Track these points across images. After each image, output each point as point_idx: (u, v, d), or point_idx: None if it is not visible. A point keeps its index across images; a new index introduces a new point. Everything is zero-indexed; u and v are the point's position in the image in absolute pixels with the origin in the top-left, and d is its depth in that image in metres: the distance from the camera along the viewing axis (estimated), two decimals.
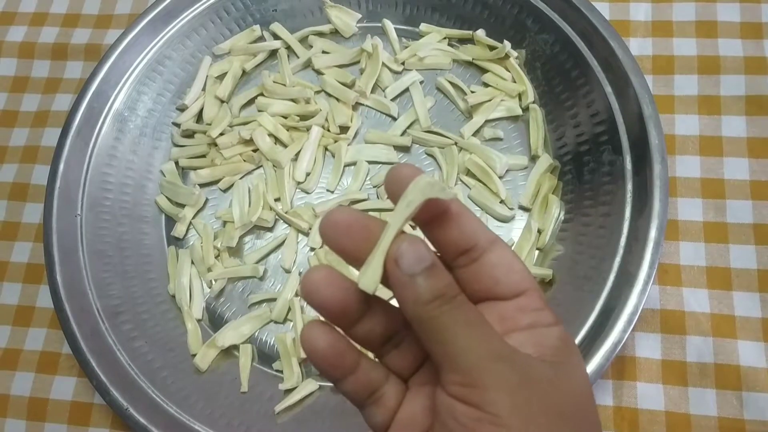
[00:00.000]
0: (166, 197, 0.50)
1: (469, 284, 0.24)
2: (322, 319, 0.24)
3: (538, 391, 0.21)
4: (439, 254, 0.25)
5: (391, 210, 0.24)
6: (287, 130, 0.50)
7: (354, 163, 0.49)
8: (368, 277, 0.22)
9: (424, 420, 0.23)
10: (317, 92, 0.51)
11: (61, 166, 0.46)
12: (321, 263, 0.45)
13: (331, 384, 0.39)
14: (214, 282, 0.47)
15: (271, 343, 0.45)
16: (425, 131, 0.49)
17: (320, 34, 0.54)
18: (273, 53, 0.53)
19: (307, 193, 0.49)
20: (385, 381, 0.24)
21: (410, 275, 0.21)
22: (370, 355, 0.25)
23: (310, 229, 0.47)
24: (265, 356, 0.45)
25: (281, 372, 0.44)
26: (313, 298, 0.22)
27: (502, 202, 0.46)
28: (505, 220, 0.46)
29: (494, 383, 0.21)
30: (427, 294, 0.21)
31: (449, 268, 0.25)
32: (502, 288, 0.24)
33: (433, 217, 0.23)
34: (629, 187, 0.42)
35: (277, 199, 0.48)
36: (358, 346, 0.24)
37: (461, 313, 0.21)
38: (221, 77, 0.53)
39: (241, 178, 0.50)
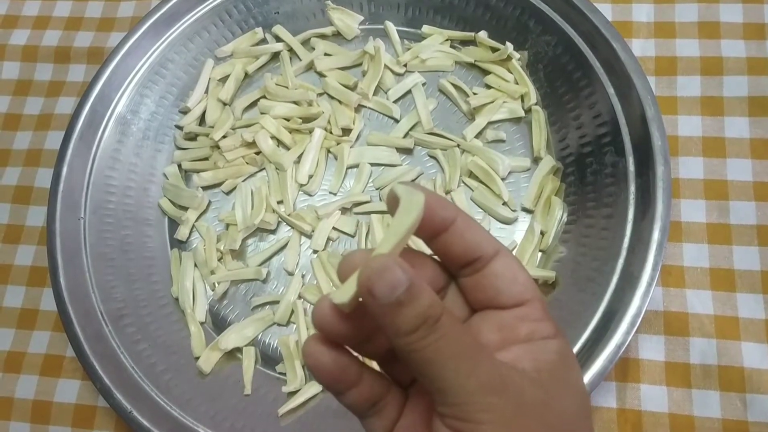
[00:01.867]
0: (169, 200, 0.50)
1: (471, 293, 0.24)
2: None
3: (532, 418, 0.21)
4: (442, 263, 0.25)
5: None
6: (290, 133, 0.50)
7: (356, 166, 0.49)
8: (342, 294, 0.21)
9: (424, 431, 0.23)
10: (319, 94, 0.51)
11: (65, 170, 0.46)
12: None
13: None
14: (217, 285, 0.47)
15: (274, 345, 0.45)
16: (428, 133, 0.49)
17: (322, 37, 0.54)
18: (275, 56, 0.54)
19: (310, 195, 0.49)
20: (387, 392, 0.24)
21: (387, 305, 0.20)
22: (373, 365, 0.25)
23: (313, 231, 0.47)
24: (268, 359, 0.45)
25: (284, 374, 0.44)
26: (325, 329, 0.22)
27: (504, 203, 0.46)
28: (507, 221, 0.46)
29: (488, 418, 0.20)
30: (407, 325, 0.20)
31: (452, 276, 0.25)
32: (504, 298, 0.23)
33: (436, 231, 0.23)
34: (632, 188, 0.42)
35: (279, 202, 0.48)
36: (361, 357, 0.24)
37: (446, 344, 0.20)
38: (224, 80, 0.53)
39: (243, 181, 0.50)
